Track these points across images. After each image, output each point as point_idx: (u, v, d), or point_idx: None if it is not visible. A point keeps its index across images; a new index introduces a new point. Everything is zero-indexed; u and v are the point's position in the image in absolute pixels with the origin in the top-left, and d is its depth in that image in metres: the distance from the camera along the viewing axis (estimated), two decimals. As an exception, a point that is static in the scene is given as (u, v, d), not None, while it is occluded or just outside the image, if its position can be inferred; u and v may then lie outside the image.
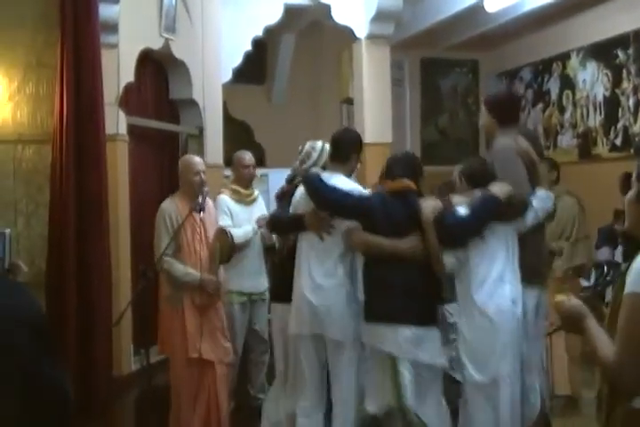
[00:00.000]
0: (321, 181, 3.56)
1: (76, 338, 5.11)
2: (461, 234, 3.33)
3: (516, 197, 3.30)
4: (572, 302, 2.09)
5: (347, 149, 3.70)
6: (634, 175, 2.05)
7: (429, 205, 3.36)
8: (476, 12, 8.53)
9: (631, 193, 2.06)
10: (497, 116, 3.57)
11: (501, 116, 3.55)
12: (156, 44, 6.42)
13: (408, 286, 3.35)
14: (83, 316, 5.17)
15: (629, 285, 1.93)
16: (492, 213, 3.30)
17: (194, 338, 4.06)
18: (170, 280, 4.15)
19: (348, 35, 7.61)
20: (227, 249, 4.34)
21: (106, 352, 5.29)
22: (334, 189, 3.51)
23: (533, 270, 3.43)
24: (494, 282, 3.31)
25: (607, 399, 2.02)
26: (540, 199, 3.41)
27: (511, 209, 3.31)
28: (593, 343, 2.00)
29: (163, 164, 6.94)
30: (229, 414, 4.66)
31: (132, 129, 6.13)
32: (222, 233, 4.37)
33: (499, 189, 3.31)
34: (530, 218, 3.40)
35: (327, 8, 7.48)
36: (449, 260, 3.35)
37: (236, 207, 4.81)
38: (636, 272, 1.93)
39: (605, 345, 1.97)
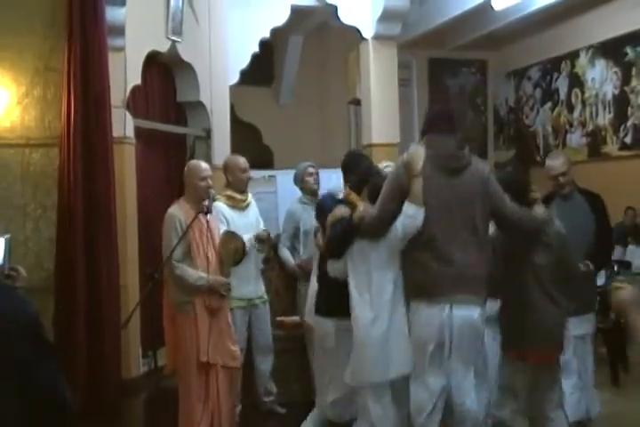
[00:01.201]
0: (323, 204, 3.94)
1: (85, 341, 5.12)
2: (328, 247, 3.63)
3: (367, 217, 3.41)
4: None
5: (344, 172, 3.91)
6: None
7: (331, 214, 3.61)
8: (484, 11, 8.51)
9: None
10: (421, 128, 3.74)
11: (422, 128, 3.69)
12: (163, 47, 6.43)
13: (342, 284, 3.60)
14: (91, 319, 5.18)
15: None
16: (343, 233, 3.51)
17: (205, 342, 4.06)
18: (181, 286, 4.14)
19: (354, 35, 7.60)
20: (240, 252, 4.33)
21: (114, 355, 5.30)
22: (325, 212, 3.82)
23: (419, 286, 3.40)
24: (358, 300, 3.48)
25: None
26: (406, 216, 3.34)
27: (361, 228, 3.45)
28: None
29: (170, 166, 6.94)
30: (237, 417, 4.68)
31: (139, 132, 6.14)
32: (234, 236, 4.36)
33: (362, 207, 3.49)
34: (393, 235, 3.38)
35: (334, 9, 7.47)
36: (331, 267, 3.65)
37: (232, 214, 4.75)
38: None
39: None
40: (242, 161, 4.90)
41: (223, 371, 4.17)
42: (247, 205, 4.93)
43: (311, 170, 5.19)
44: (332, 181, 5.32)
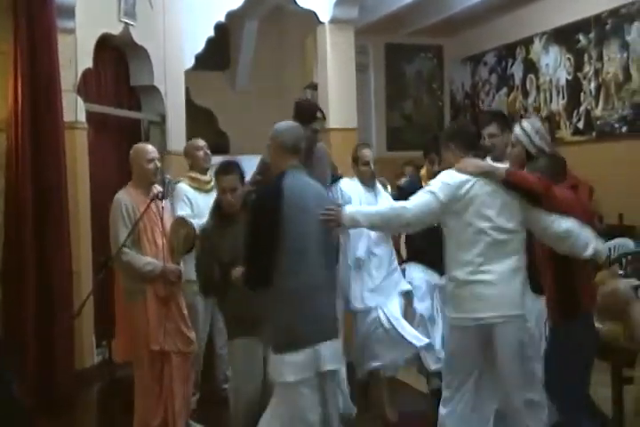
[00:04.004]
0: None
1: (36, 331, 4.99)
2: None
3: None
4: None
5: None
6: None
7: None
8: (440, -4, 8.51)
9: None
10: None
11: None
12: (116, 30, 6.29)
13: None
14: (42, 308, 5.04)
15: None
16: None
17: (156, 330, 3.99)
18: (130, 273, 4.05)
19: (311, 19, 7.51)
20: (189, 239, 4.25)
21: (67, 345, 5.18)
22: None
23: None
24: None
25: None
26: None
27: None
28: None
29: (124, 152, 6.72)
30: (195, 404, 4.64)
31: (91, 116, 6.01)
32: (183, 222, 4.27)
33: None
34: None
35: (290, -8, 7.37)
36: None
37: (195, 196, 4.74)
38: None
39: None
40: (198, 141, 5.06)
41: (178, 357, 4.11)
42: (212, 188, 4.90)
43: None
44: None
